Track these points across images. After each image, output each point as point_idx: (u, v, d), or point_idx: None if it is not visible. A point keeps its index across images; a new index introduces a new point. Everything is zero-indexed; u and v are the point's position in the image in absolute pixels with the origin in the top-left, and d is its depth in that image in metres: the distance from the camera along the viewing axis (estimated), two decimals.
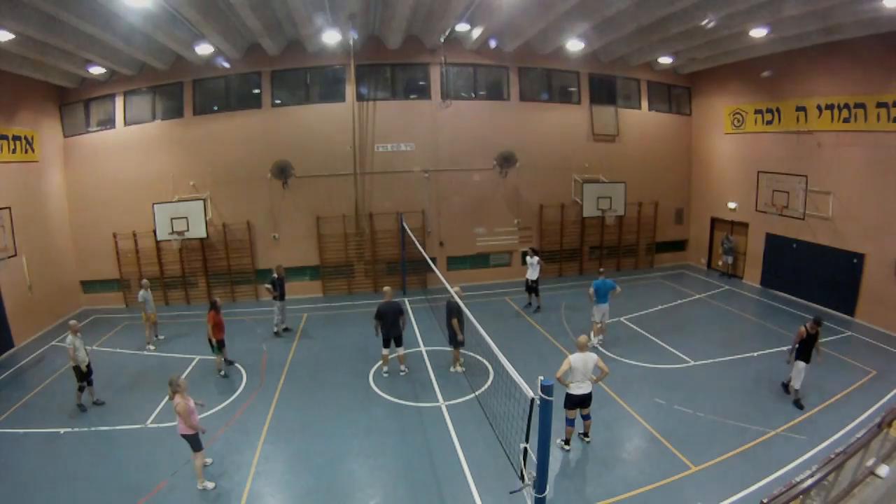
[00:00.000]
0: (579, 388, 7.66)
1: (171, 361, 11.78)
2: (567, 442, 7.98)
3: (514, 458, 6.24)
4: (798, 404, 8.96)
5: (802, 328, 8.92)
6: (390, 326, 10.47)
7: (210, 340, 10.75)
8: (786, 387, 9.40)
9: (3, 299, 12.68)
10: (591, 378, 7.73)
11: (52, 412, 9.57)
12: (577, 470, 7.61)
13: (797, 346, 8.95)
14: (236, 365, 11.34)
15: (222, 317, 10.89)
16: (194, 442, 7.16)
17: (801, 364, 8.88)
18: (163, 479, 7.40)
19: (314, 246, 16.53)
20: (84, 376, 9.66)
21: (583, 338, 7.90)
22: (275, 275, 13.15)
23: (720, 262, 17.81)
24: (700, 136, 18.94)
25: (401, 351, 10.84)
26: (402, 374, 10.81)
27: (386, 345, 10.64)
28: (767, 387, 9.79)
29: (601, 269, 12.19)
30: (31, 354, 12.50)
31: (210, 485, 7.26)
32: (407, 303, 15.65)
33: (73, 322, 9.87)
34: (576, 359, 7.60)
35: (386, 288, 11.03)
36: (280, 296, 13.17)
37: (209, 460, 7.76)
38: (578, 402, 7.76)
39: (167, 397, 7.20)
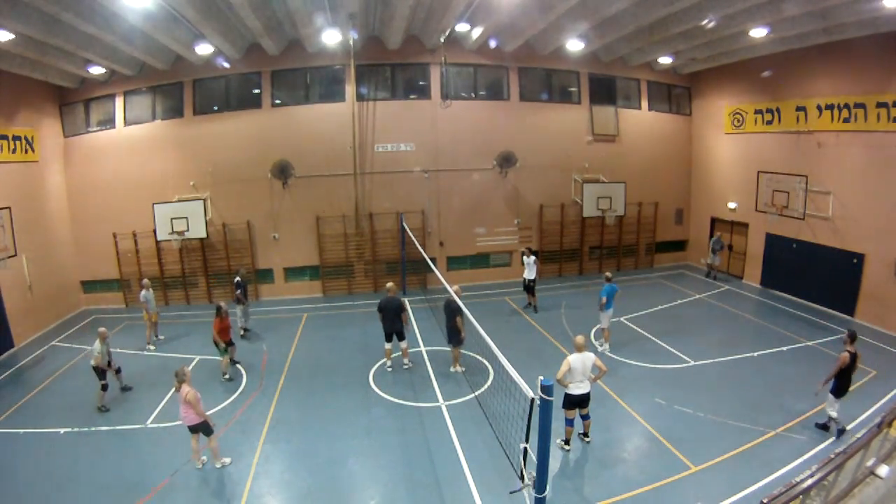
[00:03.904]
0: (578, 388, 7.66)
1: (171, 361, 11.76)
2: (567, 442, 7.98)
3: (514, 458, 6.24)
4: (841, 431, 7.91)
5: (846, 355, 7.68)
6: (390, 321, 10.62)
7: (216, 343, 10.72)
8: (825, 427, 8.15)
9: (3, 299, 12.67)
10: (589, 377, 7.73)
11: (52, 412, 9.56)
12: (577, 470, 7.61)
13: (836, 375, 7.78)
14: (237, 366, 11.34)
15: (229, 320, 10.85)
16: (207, 428, 7.51)
17: (832, 398, 7.88)
18: (163, 479, 7.40)
19: (314, 246, 16.53)
20: (105, 374, 9.66)
21: (580, 338, 7.85)
22: (238, 278, 13.14)
23: (707, 261, 17.52)
24: (700, 136, 18.94)
25: (404, 345, 10.93)
26: (405, 367, 10.96)
27: (388, 339, 10.79)
28: (767, 387, 9.79)
29: (608, 274, 11.84)
30: (31, 354, 12.49)
31: (227, 460, 7.73)
32: (407, 303, 15.63)
33: (102, 329, 9.79)
34: (574, 359, 7.59)
35: (389, 284, 11.04)
36: (245, 299, 13.20)
37: (205, 458, 7.79)
38: (577, 402, 7.77)
39: (173, 390, 7.27)
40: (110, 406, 9.70)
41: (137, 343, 12.81)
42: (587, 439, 8.16)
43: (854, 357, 7.75)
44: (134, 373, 11.25)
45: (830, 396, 7.93)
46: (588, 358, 7.69)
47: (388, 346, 10.86)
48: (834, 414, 7.95)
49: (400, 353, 11.08)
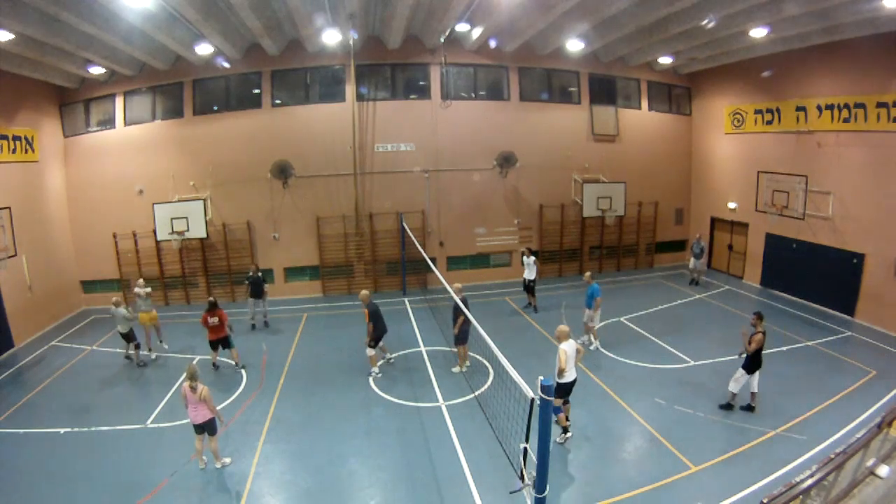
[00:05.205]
0: (571, 375, 7.91)
1: (171, 361, 11.79)
2: (565, 431, 8.12)
3: (514, 458, 6.24)
4: (730, 406, 8.87)
5: (760, 336, 8.47)
6: (383, 322, 10.70)
7: (229, 337, 10.93)
8: (729, 406, 8.95)
9: (3, 299, 12.66)
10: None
11: (52, 412, 9.56)
12: (577, 470, 7.61)
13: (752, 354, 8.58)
14: (217, 368, 11.32)
15: None
16: (214, 426, 7.57)
17: (748, 376, 8.68)
18: (163, 479, 7.41)
19: (314, 246, 16.53)
20: (134, 335, 11.30)
21: (565, 327, 7.97)
22: (250, 273, 13.61)
23: (690, 266, 17.02)
24: (700, 136, 18.94)
25: (381, 342, 10.98)
26: (389, 360, 11.08)
27: (376, 344, 10.69)
28: (767, 387, 9.74)
29: (590, 273, 12.03)
30: (31, 354, 12.49)
31: (227, 460, 7.82)
32: (407, 303, 15.68)
33: (115, 299, 11.33)
34: (568, 346, 7.81)
35: (364, 291, 10.87)
36: (253, 294, 13.54)
37: (206, 458, 7.80)
38: (570, 390, 7.98)
39: (176, 387, 7.30)
40: (149, 362, 11.45)
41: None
42: (567, 422, 8.34)
43: (763, 335, 8.58)
44: (134, 372, 11.29)
45: (740, 372, 8.72)
46: (573, 344, 7.96)
47: (374, 352, 10.70)
48: (735, 390, 8.80)
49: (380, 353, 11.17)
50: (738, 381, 8.77)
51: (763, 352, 8.66)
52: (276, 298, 16.22)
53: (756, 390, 8.76)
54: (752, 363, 8.64)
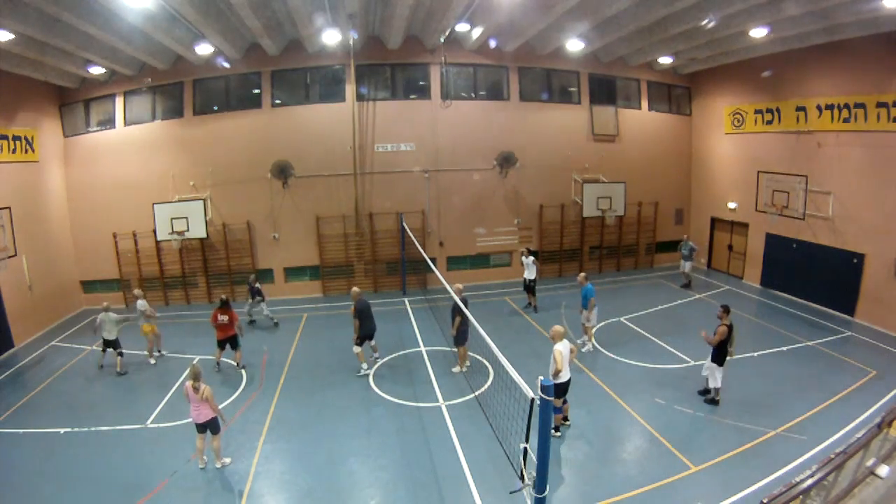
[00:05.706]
0: (567, 375, 7.98)
1: (171, 362, 11.78)
2: (556, 429, 8.21)
3: (514, 458, 6.24)
4: (714, 402, 9.07)
5: (724, 328, 8.68)
6: (372, 323, 10.72)
7: (237, 337, 10.99)
8: (705, 394, 9.24)
9: (3, 299, 12.67)
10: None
11: (52, 412, 9.56)
12: (577, 470, 7.61)
13: (716, 346, 8.78)
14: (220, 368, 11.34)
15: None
16: (216, 425, 7.57)
17: (715, 366, 8.88)
18: (163, 479, 7.40)
19: (314, 246, 16.53)
20: (118, 343, 11.10)
21: (560, 327, 8.05)
22: (249, 282, 14.10)
23: (684, 269, 16.51)
24: (700, 136, 18.95)
25: (373, 343, 11.05)
26: (377, 358, 11.18)
27: (361, 343, 10.64)
28: (767, 387, 9.79)
29: (584, 275, 11.83)
30: (31, 354, 12.49)
31: (227, 460, 7.81)
32: (407, 303, 15.68)
33: (105, 304, 11.20)
34: (563, 347, 7.87)
35: (355, 289, 10.92)
36: (252, 298, 14.03)
37: (206, 458, 7.80)
38: (567, 389, 8.03)
39: (190, 384, 7.30)
40: (128, 370, 11.15)
41: (138, 343, 12.71)
42: (567, 423, 8.46)
43: (730, 328, 8.74)
44: (134, 372, 11.28)
45: (714, 365, 8.88)
46: (568, 344, 8.05)
47: (360, 349, 10.66)
48: (718, 385, 8.95)
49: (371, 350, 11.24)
50: (712, 373, 8.91)
51: (765, 352, 8.67)
52: (276, 298, 16.22)
53: (719, 385, 8.96)
54: (719, 355, 8.80)
